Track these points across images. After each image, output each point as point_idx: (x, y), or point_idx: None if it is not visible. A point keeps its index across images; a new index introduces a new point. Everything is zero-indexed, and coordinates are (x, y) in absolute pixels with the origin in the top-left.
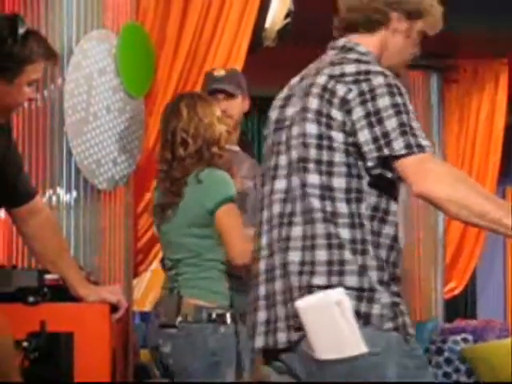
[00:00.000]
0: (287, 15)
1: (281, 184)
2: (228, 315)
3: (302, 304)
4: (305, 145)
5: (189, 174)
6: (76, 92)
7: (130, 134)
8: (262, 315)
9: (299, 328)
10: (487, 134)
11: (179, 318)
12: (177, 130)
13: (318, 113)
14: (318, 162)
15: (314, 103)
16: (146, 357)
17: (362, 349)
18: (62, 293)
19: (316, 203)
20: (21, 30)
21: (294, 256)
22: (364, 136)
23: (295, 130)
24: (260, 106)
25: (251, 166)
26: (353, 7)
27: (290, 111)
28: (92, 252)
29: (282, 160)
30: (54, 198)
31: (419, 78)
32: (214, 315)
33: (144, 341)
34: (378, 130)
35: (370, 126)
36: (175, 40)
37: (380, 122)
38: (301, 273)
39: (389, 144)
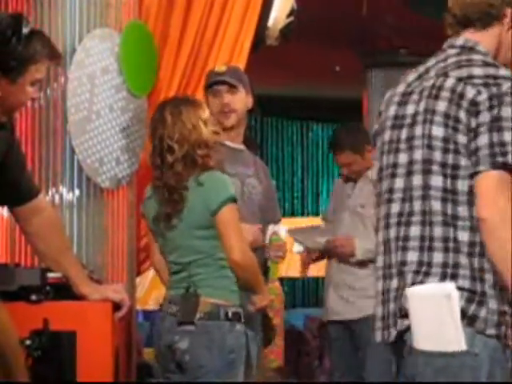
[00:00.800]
0: (290, 14)
1: (400, 183)
2: (242, 313)
3: (412, 291)
4: (430, 147)
5: (183, 180)
6: (79, 90)
7: (133, 133)
8: (379, 311)
9: (405, 316)
10: None
11: (197, 316)
12: (163, 137)
13: (446, 115)
14: (443, 164)
15: (442, 106)
16: (149, 356)
17: (462, 346)
18: (64, 291)
19: (437, 206)
20: (25, 30)
21: (412, 256)
22: (483, 140)
23: (418, 130)
24: (263, 105)
25: (264, 171)
26: (468, 3)
27: (411, 109)
28: (95, 250)
29: (402, 158)
30: (57, 197)
31: None
32: (230, 313)
33: (148, 339)
34: (495, 137)
35: (490, 131)
36: (178, 39)
37: (499, 130)
38: (417, 272)
39: (505, 154)
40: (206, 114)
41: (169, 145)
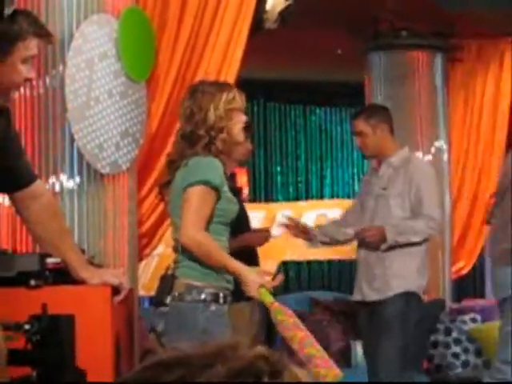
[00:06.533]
0: None
1: None
2: (221, 294)
3: None
4: None
5: (179, 158)
6: (77, 77)
7: (133, 119)
8: None
9: None
10: (492, 114)
11: (169, 297)
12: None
13: None
14: None
15: None
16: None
17: None
18: (64, 276)
19: None
20: (8, 10)
21: None
22: None
23: None
24: (263, 89)
25: None
26: None
27: None
28: (96, 236)
29: None
30: (58, 183)
31: (423, 58)
32: (203, 295)
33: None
34: None
35: None
36: (176, 24)
37: None
38: None
39: None
40: (222, 97)
41: (180, 121)
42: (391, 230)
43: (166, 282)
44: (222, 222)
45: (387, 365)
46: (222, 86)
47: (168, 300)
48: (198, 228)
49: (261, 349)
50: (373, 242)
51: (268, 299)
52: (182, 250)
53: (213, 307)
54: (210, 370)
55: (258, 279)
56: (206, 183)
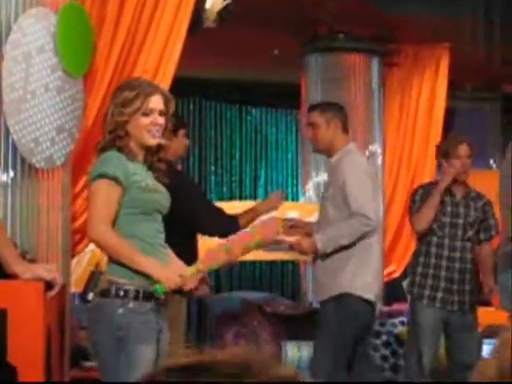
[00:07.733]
0: None
1: None
2: (142, 291)
3: None
4: None
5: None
6: (14, 70)
7: (69, 113)
8: None
9: None
10: (427, 118)
11: (91, 293)
12: None
13: None
14: None
15: None
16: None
17: None
18: None
19: None
20: None
21: None
22: None
23: None
24: (200, 88)
25: None
26: None
27: None
28: (29, 231)
29: None
30: None
31: (360, 61)
32: (122, 291)
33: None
34: None
35: None
36: (115, 19)
37: None
38: None
39: None
40: (121, 96)
41: None
42: (319, 240)
43: (93, 278)
44: (141, 212)
45: (318, 365)
46: (129, 85)
47: (91, 296)
48: (104, 222)
49: (291, 372)
50: (308, 254)
51: (191, 272)
52: None
53: (131, 304)
54: (237, 381)
55: (168, 272)
56: (104, 176)
